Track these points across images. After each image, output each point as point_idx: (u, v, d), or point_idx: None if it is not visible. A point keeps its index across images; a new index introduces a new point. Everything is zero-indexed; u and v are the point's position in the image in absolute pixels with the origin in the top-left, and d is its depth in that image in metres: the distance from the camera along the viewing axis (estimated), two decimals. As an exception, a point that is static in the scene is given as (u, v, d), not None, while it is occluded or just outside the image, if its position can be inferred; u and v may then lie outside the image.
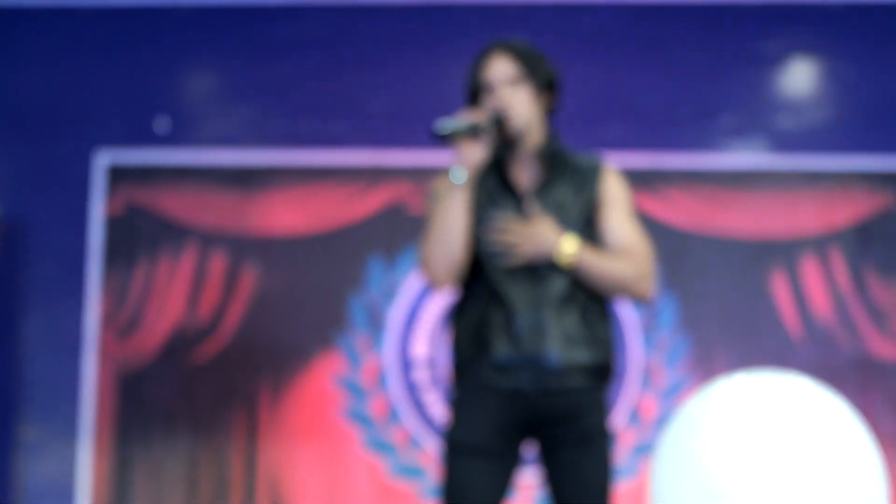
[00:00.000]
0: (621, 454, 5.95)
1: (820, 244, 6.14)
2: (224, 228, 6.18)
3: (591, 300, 3.28)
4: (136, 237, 6.19)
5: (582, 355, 3.25)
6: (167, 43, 6.39)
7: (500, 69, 3.32)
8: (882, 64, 6.34)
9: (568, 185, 3.32)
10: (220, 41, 6.42)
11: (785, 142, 6.30)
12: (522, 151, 3.34)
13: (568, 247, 3.23)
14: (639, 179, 6.15)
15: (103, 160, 6.26)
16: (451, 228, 3.25)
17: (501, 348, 3.25)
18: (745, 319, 6.10)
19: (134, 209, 6.22)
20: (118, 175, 6.24)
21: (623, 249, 3.30)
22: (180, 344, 6.09)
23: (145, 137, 6.30)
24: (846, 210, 6.18)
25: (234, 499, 5.98)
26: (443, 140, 3.23)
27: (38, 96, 6.37)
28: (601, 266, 3.26)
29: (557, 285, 3.26)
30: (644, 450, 5.96)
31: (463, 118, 3.24)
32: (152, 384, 6.07)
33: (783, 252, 6.14)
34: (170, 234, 6.18)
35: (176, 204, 6.21)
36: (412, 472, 6.01)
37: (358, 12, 6.40)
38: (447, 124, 3.21)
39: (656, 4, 6.37)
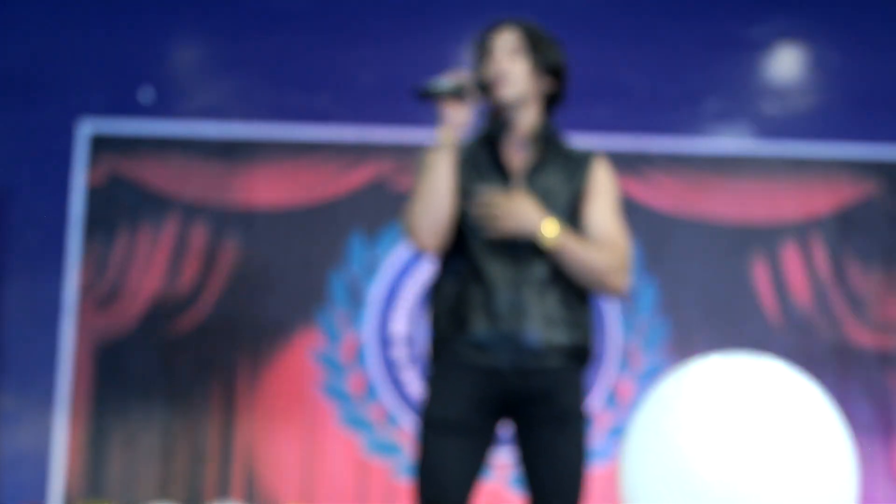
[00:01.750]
0: (598, 436, 5.96)
1: (801, 231, 6.15)
2: (206, 201, 6.16)
3: (571, 282, 3.28)
4: (117, 207, 6.16)
5: (561, 336, 3.25)
6: (153, 13, 6.36)
7: (504, 38, 3.33)
8: (868, 52, 6.34)
9: (558, 172, 3.32)
10: (207, 12, 6.39)
11: (769, 127, 6.31)
12: (516, 132, 3.34)
13: (550, 229, 3.22)
14: (623, 162, 6.15)
15: (86, 129, 6.23)
16: (436, 190, 3.24)
17: (480, 326, 3.25)
18: (724, 304, 6.12)
19: (116, 179, 6.19)
20: (101, 145, 6.21)
21: (602, 240, 3.30)
22: (159, 315, 6.08)
23: (129, 107, 6.27)
24: (828, 198, 6.19)
25: (210, 471, 5.98)
26: (426, 98, 3.22)
27: (22, 64, 6.33)
28: (580, 253, 3.26)
29: (539, 266, 3.26)
30: (620, 432, 5.96)
31: (448, 79, 3.23)
32: (130, 355, 6.06)
33: (764, 238, 6.15)
34: (151, 205, 6.16)
35: (158, 175, 6.19)
36: (388, 448, 6.02)
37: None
38: (431, 83, 3.21)
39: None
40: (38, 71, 6.32)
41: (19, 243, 6.17)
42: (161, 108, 6.29)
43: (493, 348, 3.24)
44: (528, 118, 3.33)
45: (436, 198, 3.24)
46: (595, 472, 5.83)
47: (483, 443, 3.28)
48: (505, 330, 3.23)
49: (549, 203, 3.28)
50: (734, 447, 3.61)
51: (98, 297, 6.10)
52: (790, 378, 3.84)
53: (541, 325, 3.23)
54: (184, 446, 6.00)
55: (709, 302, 6.12)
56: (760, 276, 6.12)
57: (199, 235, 6.14)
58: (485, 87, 3.25)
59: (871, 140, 6.22)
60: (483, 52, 3.34)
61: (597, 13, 6.37)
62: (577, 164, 3.34)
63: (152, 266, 6.12)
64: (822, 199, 6.18)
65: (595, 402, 6.00)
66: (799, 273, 6.12)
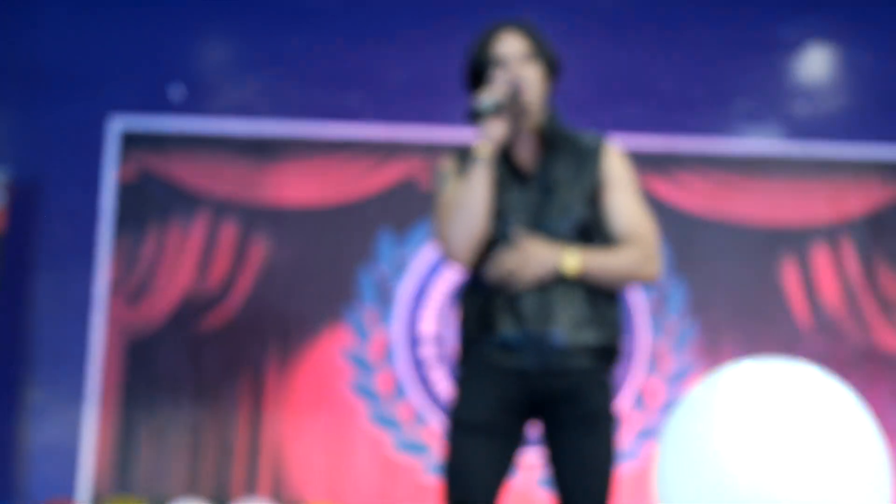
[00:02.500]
0: (626, 438, 5.95)
1: (831, 233, 6.12)
2: (236, 198, 6.17)
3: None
4: (147, 204, 6.18)
5: (588, 336, 3.25)
6: (183, 11, 6.38)
7: (514, 45, 3.31)
8: (899, 53, 6.33)
9: (569, 164, 3.32)
10: (237, 11, 6.40)
11: (799, 128, 6.28)
12: (524, 130, 3.34)
13: (570, 260, 3.23)
14: (652, 162, 6.15)
15: (117, 126, 6.25)
16: (474, 205, 3.24)
17: (507, 327, 3.25)
18: (753, 306, 6.10)
19: (146, 176, 6.21)
20: (132, 141, 6.23)
21: (627, 234, 3.30)
22: (189, 312, 6.10)
23: (160, 104, 6.29)
24: (859, 200, 6.16)
25: (237, 467, 6.00)
26: (477, 120, 3.22)
27: (55, 60, 6.36)
28: (607, 266, 3.26)
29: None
30: (649, 434, 5.96)
31: (491, 96, 3.23)
32: (159, 351, 6.08)
33: (794, 240, 6.13)
34: (181, 201, 6.18)
35: (188, 172, 6.21)
36: (416, 447, 6.02)
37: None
38: (480, 105, 3.21)
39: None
40: (70, 68, 6.34)
41: (51, 238, 6.20)
42: (191, 106, 6.31)
43: (521, 350, 3.25)
44: (537, 119, 3.34)
45: (473, 214, 3.25)
46: (623, 473, 5.83)
47: (511, 443, 3.28)
48: (532, 331, 3.24)
49: (564, 195, 3.28)
50: (768, 451, 3.60)
51: (128, 292, 6.12)
52: (823, 383, 3.82)
53: (568, 325, 3.23)
54: (212, 443, 6.01)
55: (738, 304, 6.10)
56: (790, 277, 6.10)
57: (228, 232, 6.16)
58: (516, 97, 3.26)
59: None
60: (491, 61, 3.32)
61: (627, 15, 6.36)
62: (587, 154, 3.33)
63: (182, 262, 6.14)
64: (852, 200, 6.15)
65: (624, 403, 5.99)
66: (829, 275, 6.10)
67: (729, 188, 6.19)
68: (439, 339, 6.08)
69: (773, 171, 6.20)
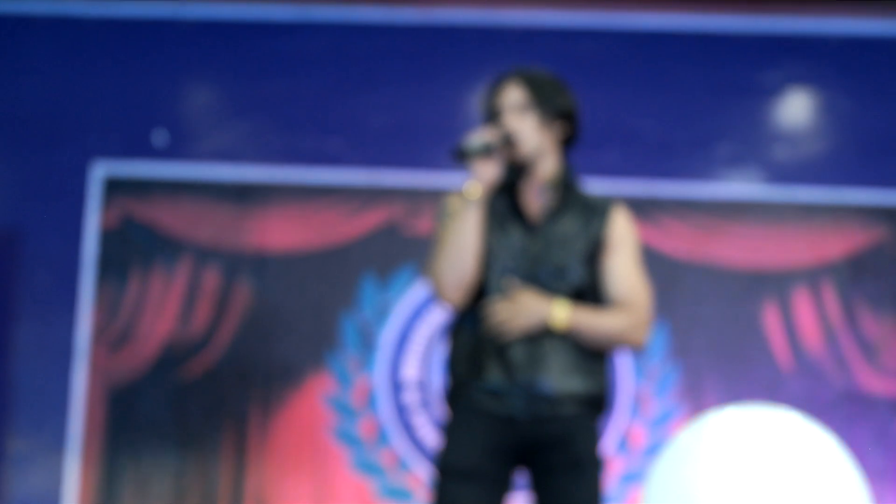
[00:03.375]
0: (610, 482, 5.95)
1: (812, 277, 6.15)
2: (218, 244, 6.18)
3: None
4: (130, 250, 6.18)
5: (576, 385, 3.26)
6: (166, 56, 6.40)
7: (510, 96, 3.36)
8: (878, 97, 6.36)
9: (576, 219, 3.34)
10: (220, 56, 6.42)
11: (780, 173, 6.32)
12: (534, 178, 3.36)
13: (560, 312, 3.24)
14: (633, 207, 6.14)
15: (100, 172, 6.26)
16: (464, 246, 3.26)
17: (495, 374, 3.26)
18: (736, 350, 6.11)
19: (129, 222, 6.21)
20: (114, 187, 6.24)
21: (622, 299, 3.32)
22: (171, 359, 6.09)
23: (142, 150, 6.30)
24: (839, 243, 6.19)
25: (221, 515, 5.98)
26: (462, 159, 3.25)
27: (36, 106, 6.37)
28: (595, 325, 3.28)
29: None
30: (633, 478, 5.96)
31: (480, 136, 3.26)
32: (142, 398, 6.06)
33: (775, 284, 6.15)
34: (164, 247, 6.18)
35: (171, 218, 6.21)
36: (400, 494, 6.00)
37: (358, 31, 6.42)
38: (465, 144, 3.24)
39: (655, 32, 6.40)
40: (53, 113, 6.35)
41: (32, 285, 6.18)
42: (174, 151, 6.32)
43: (509, 396, 3.26)
44: (546, 166, 3.36)
45: (463, 255, 3.27)
46: (606, 518, 5.82)
47: (498, 490, 3.29)
48: (520, 379, 3.25)
49: (566, 250, 3.30)
50: (751, 497, 3.61)
51: (110, 339, 6.11)
52: (804, 429, 3.84)
53: (556, 373, 3.24)
54: (195, 490, 5.99)
55: (720, 347, 6.12)
56: (772, 321, 6.12)
57: (211, 278, 6.16)
58: (509, 144, 3.29)
59: (882, 185, 6.23)
60: (491, 112, 3.37)
61: (607, 59, 6.40)
62: (595, 212, 3.36)
63: (165, 309, 6.14)
64: (832, 245, 6.18)
65: (607, 447, 5.99)
66: (810, 319, 6.12)
67: (710, 232, 6.22)
68: (422, 385, 6.08)
69: (753, 216, 6.23)
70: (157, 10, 6.42)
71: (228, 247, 6.18)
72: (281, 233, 6.19)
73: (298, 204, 6.23)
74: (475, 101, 6.32)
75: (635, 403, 6.07)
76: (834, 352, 6.09)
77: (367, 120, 6.33)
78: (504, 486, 3.30)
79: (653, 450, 5.86)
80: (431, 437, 5.95)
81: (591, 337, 3.28)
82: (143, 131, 6.34)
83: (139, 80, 6.37)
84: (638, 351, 3.37)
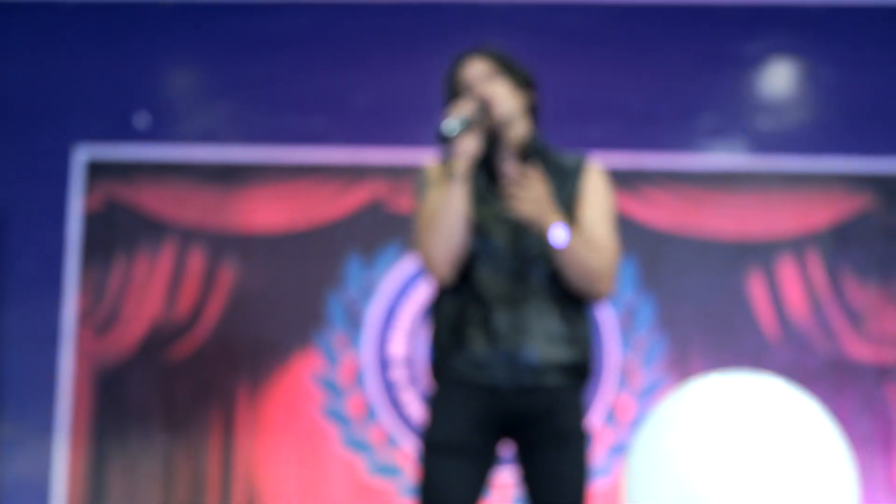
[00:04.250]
0: (597, 454, 5.97)
1: (797, 246, 6.17)
2: (203, 225, 6.18)
3: (569, 298, 3.31)
4: (114, 233, 6.18)
5: (560, 353, 3.27)
6: (148, 38, 6.39)
7: (475, 68, 3.37)
8: (861, 66, 6.37)
9: (552, 181, 3.35)
10: (201, 37, 6.42)
11: (764, 143, 6.33)
12: (506, 147, 3.37)
13: (559, 232, 3.24)
14: (618, 179, 6.15)
15: (82, 155, 6.25)
16: (453, 221, 3.26)
17: (479, 345, 3.27)
18: (722, 320, 6.14)
19: (113, 205, 6.21)
20: (97, 170, 6.23)
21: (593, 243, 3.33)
22: (158, 341, 6.09)
23: (125, 133, 6.30)
24: (824, 212, 6.21)
25: (210, 497, 5.99)
26: (449, 140, 3.26)
27: (18, 90, 6.36)
28: (581, 253, 3.28)
29: (537, 282, 3.29)
30: (620, 450, 5.98)
31: (458, 114, 3.27)
32: (129, 380, 6.07)
33: (761, 253, 6.17)
34: (148, 230, 6.18)
35: (155, 200, 6.21)
36: (389, 470, 6.03)
37: (339, 9, 6.41)
38: (452, 125, 3.24)
39: (637, 4, 6.40)
40: (34, 97, 6.34)
41: (17, 269, 6.18)
42: (157, 133, 6.31)
43: (493, 367, 3.26)
44: (518, 132, 3.37)
45: (453, 230, 3.28)
46: (595, 490, 5.84)
47: (485, 463, 3.30)
48: (504, 349, 3.26)
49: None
50: (734, 464, 3.63)
51: (96, 322, 6.12)
52: (789, 395, 3.85)
53: (540, 342, 3.25)
54: (184, 471, 6.01)
55: (706, 318, 6.14)
56: (757, 291, 6.14)
57: (196, 260, 6.16)
58: (485, 111, 3.30)
59: (867, 153, 6.24)
60: (459, 87, 3.38)
61: (590, 32, 6.40)
62: (569, 172, 3.38)
63: (150, 291, 6.14)
64: (817, 213, 6.20)
65: (594, 419, 6.01)
66: (796, 288, 6.14)
67: (695, 203, 6.23)
68: (409, 362, 6.09)
69: (738, 186, 6.25)
70: (136, -9, 6.42)
71: (212, 228, 6.18)
72: (265, 213, 6.20)
73: (282, 184, 6.23)
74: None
75: (622, 375, 6.09)
76: (820, 320, 6.12)
77: (349, 98, 6.33)
78: (490, 459, 3.31)
79: (640, 421, 5.89)
80: (419, 413, 5.97)
81: (574, 264, 3.28)
82: (126, 114, 6.34)
83: (120, 63, 6.37)
84: (600, 301, 3.37)
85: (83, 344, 6.08)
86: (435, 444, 3.28)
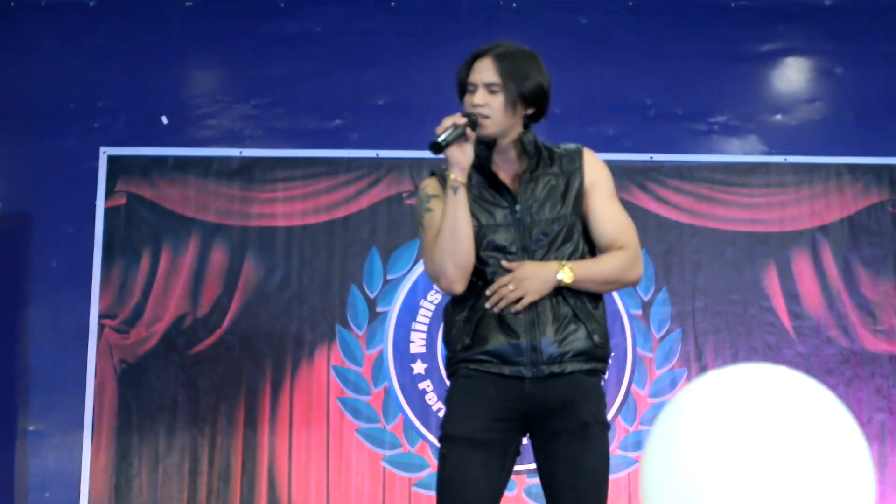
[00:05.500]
0: (614, 447, 6.00)
1: (812, 238, 6.19)
2: (226, 221, 6.22)
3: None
4: (139, 231, 6.23)
5: (577, 343, 3.32)
6: (170, 41, 6.43)
7: (482, 74, 3.42)
8: (876, 62, 6.39)
9: (552, 172, 3.40)
10: (223, 39, 6.45)
11: (778, 139, 6.35)
12: (501, 151, 3.43)
13: (565, 274, 3.31)
14: (634, 172, 6.22)
15: (107, 153, 6.30)
16: (459, 234, 3.32)
17: (496, 338, 3.31)
18: (737, 313, 6.15)
19: (137, 203, 6.25)
20: (121, 169, 6.28)
21: (613, 240, 3.39)
22: (182, 336, 6.13)
23: (149, 134, 6.34)
24: (837, 205, 6.23)
25: (234, 490, 6.02)
26: (440, 151, 3.31)
27: (44, 89, 6.40)
28: (597, 276, 3.36)
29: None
30: (637, 444, 6.01)
31: (449, 126, 3.32)
32: (154, 376, 6.10)
33: (776, 246, 6.19)
34: (172, 227, 6.23)
35: (178, 199, 6.26)
36: (410, 464, 6.05)
37: (358, 6, 6.44)
38: (440, 138, 3.30)
39: (652, 2, 6.42)
40: (61, 96, 6.39)
41: (43, 269, 6.23)
42: (180, 134, 6.36)
43: (511, 359, 3.31)
44: (510, 137, 3.42)
45: (460, 242, 3.33)
46: (612, 483, 5.88)
47: (504, 455, 3.34)
48: (521, 341, 3.30)
49: (555, 197, 3.36)
50: (751, 456, 3.65)
51: (121, 318, 6.15)
52: (806, 386, 3.88)
53: (556, 332, 3.30)
54: (208, 465, 6.04)
55: (721, 311, 6.15)
56: (772, 284, 6.16)
57: (219, 255, 6.20)
58: (475, 125, 3.35)
59: (880, 149, 6.26)
60: (465, 86, 3.43)
61: (605, 31, 6.43)
62: (569, 161, 3.44)
63: (174, 287, 6.19)
64: (831, 206, 6.22)
65: (610, 412, 6.04)
66: (810, 280, 6.16)
67: (710, 197, 6.25)
68: (430, 356, 6.13)
69: (752, 180, 6.26)
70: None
71: (235, 224, 6.22)
72: (287, 209, 6.23)
73: (304, 180, 6.27)
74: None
75: (637, 369, 6.11)
76: (834, 313, 6.13)
77: (368, 99, 6.37)
78: (510, 451, 3.35)
79: (656, 415, 5.91)
80: (439, 407, 6.01)
81: (594, 286, 3.35)
82: (150, 116, 6.38)
83: (144, 66, 6.41)
84: (635, 285, 3.48)
85: (109, 339, 6.12)
86: (455, 437, 3.32)
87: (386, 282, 6.18)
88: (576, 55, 6.35)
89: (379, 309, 6.16)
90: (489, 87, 3.40)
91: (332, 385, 6.11)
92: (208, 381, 6.10)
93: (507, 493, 5.83)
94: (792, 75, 6.44)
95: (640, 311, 6.14)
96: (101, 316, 6.14)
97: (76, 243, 6.21)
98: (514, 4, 6.44)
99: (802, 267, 6.17)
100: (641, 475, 3.97)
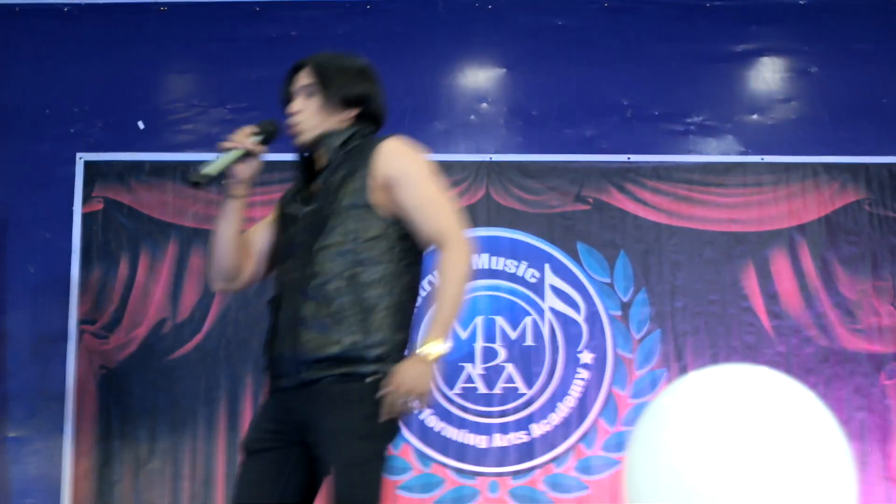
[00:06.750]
0: (597, 448, 6.01)
1: (789, 238, 6.21)
2: (205, 225, 6.21)
3: (353, 288, 3.22)
4: (117, 234, 6.22)
5: (333, 346, 3.19)
6: (147, 46, 6.42)
7: (300, 80, 3.46)
8: (851, 62, 6.43)
9: (344, 168, 3.35)
10: (198, 43, 6.45)
11: (755, 139, 6.37)
12: (317, 156, 3.46)
13: (437, 348, 3.13)
14: (611, 173, 6.24)
15: (84, 158, 6.28)
16: (221, 241, 3.43)
17: (268, 346, 3.33)
18: (716, 313, 6.17)
19: (115, 207, 6.24)
20: (99, 173, 6.26)
21: (432, 235, 3.25)
22: (162, 340, 6.13)
23: (126, 139, 6.33)
24: (815, 204, 6.25)
25: (217, 493, 6.02)
26: (199, 188, 3.35)
27: (20, 94, 6.38)
28: (456, 310, 3.19)
29: (296, 271, 3.30)
30: (619, 445, 6.02)
31: (219, 159, 3.35)
32: (135, 380, 6.09)
33: (754, 246, 6.21)
34: (150, 231, 6.22)
35: (156, 202, 6.25)
36: (391, 465, 6.04)
37: (334, 9, 6.44)
38: (197, 174, 3.34)
39: (628, 2, 6.44)
40: (38, 101, 6.37)
41: (21, 274, 6.21)
42: (156, 139, 6.35)
43: (275, 368, 3.30)
44: (336, 140, 3.41)
45: (220, 248, 3.43)
46: (597, 486, 5.89)
47: (285, 462, 3.26)
48: (284, 348, 3.25)
49: (330, 199, 3.31)
50: (733, 457, 3.68)
51: (101, 323, 6.14)
52: (786, 386, 3.91)
53: (313, 337, 3.20)
54: (191, 469, 6.03)
55: (700, 311, 6.17)
56: (751, 283, 6.18)
57: (198, 260, 6.20)
58: (271, 136, 3.38)
59: (856, 148, 6.30)
60: (286, 96, 3.46)
61: (581, 33, 6.44)
62: (362, 155, 3.33)
63: (153, 291, 6.17)
64: (808, 205, 6.24)
65: (592, 413, 6.06)
66: (788, 279, 6.18)
67: (688, 198, 6.27)
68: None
69: (730, 179, 6.28)
70: (134, -4, 6.46)
71: (213, 228, 6.20)
72: (265, 212, 6.22)
73: (281, 184, 6.26)
74: (455, 78, 6.37)
75: (618, 370, 6.13)
76: (813, 312, 6.16)
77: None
78: (291, 461, 3.26)
79: (636, 415, 5.93)
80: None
81: (459, 311, 3.19)
82: (125, 119, 6.37)
83: (122, 68, 6.39)
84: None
85: (88, 345, 6.11)
86: (244, 449, 3.32)
87: (365, 285, 6.17)
88: (552, 57, 6.37)
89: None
90: (305, 92, 3.41)
91: (312, 389, 6.10)
92: (189, 386, 6.09)
93: (490, 495, 5.85)
94: (768, 75, 6.47)
95: (619, 313, 6.16)
96: (81, 321, 6.13)
97: (54, 249, 6.20)
98: (490, 6, 6.45)
99: (781, 266, 6.20)
100: (625, 476, 3.99)
